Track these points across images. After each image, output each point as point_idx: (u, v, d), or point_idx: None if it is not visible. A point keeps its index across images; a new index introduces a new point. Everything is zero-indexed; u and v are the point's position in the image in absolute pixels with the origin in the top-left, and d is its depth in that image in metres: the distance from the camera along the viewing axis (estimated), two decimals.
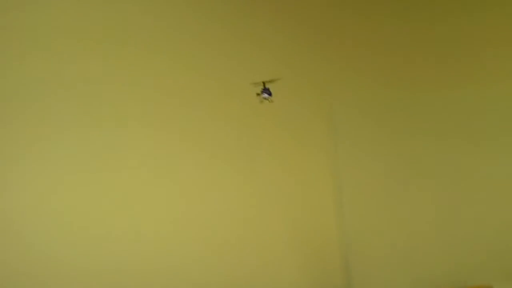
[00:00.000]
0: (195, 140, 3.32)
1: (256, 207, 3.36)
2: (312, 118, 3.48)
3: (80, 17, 3.16)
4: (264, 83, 3.16)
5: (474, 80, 3.60)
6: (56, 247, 3.05)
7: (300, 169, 3.45)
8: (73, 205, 3.08)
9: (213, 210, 3.29)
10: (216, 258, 3.28)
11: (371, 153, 3.50)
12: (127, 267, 3.13)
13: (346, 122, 3.48)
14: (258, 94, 3.17)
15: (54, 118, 3.11)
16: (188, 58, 3.33)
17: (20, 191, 3.02)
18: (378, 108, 3.51)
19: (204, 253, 3.26)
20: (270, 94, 3.15)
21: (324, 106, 3.50)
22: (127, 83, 3.21)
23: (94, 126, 3.15)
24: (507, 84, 3.59)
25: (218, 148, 3.36)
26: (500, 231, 3.49)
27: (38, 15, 3.08)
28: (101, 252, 3.10)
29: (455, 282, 3.43)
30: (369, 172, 3.48)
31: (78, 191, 3.10)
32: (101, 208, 3.13)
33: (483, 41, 3.61)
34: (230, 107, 3.39)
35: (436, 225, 3.50)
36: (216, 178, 3.33)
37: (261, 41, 3.43)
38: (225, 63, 3.36)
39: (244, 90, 3.21)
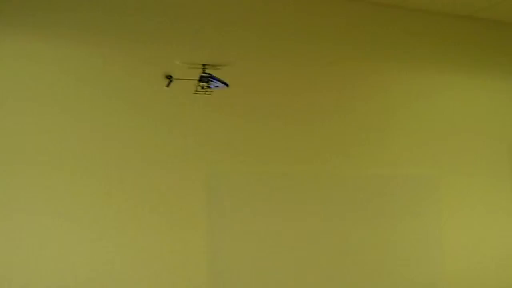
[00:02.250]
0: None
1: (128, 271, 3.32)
2: (190, 185, 3.46)
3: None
4: (204, 66, 2.42)
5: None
6: None
7: (174, 237, 3.43)
8: None
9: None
10: None
11: (245, 222, 3.58)
12: None
13: (221, 193, 3.50)
14: (168, 78, 2.52)
15: None
16: None
17: None
18: (251, 184, 3.59)
19: None
20: (219, 82, 2.38)
21: (201, 175, 3.49)
22: None
23: None
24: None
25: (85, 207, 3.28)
26: None
27: None
28: None
29: None
30: (242, 238, 3.57)
31: None
32: None
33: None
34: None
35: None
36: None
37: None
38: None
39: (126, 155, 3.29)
